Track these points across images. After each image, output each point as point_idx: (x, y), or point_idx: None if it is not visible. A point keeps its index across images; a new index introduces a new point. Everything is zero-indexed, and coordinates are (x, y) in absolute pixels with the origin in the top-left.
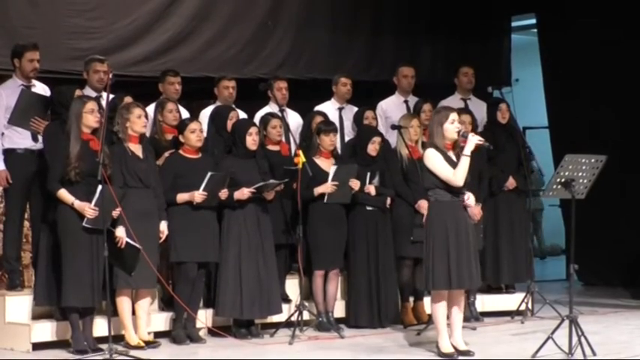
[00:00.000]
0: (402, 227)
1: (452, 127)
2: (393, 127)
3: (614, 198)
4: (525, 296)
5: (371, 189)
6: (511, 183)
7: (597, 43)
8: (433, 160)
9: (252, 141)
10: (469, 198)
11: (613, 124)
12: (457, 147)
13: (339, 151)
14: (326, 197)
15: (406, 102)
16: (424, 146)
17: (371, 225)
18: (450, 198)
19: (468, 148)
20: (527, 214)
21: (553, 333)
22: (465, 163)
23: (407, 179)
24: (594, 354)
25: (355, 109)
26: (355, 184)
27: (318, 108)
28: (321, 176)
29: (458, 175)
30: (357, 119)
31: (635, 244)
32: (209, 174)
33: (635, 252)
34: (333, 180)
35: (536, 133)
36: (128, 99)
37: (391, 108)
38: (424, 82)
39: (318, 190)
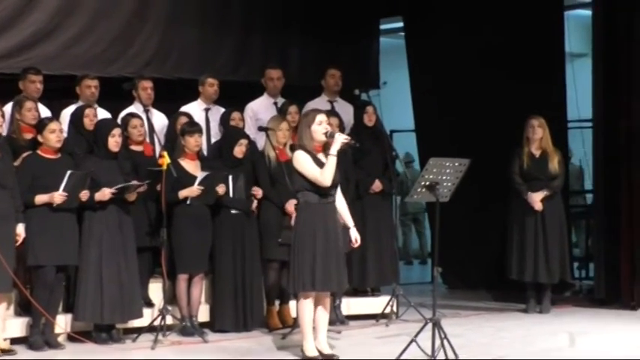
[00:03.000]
0: (269, 230)
1: (319, 128)
2: (260, 128)
3: (476, 201)
4: (390, 299)
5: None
6: (377, 186)
7: (461, 48)
8: (301, 162)
9: (114, 142)
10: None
11: (476, 128)
12: (327, 148)
13: (205, 152)
14: (189, 199)
15: (275, 104)
16: (292, 149)
17: (237, 228)
18: (318, 200)
19: (334, 147)
20: (392, 217)
21: (416, 336)
22: (331, 162)
23: (274, 181)
24: (456, 356)
25: (222, 110)
26: (222, 189)
27: (183, 108)
28: (186, 178)
29: (325, 175)
30: (224, 121)
31: (497, 247)
32: (68, 172)
33: (496, 255)
34: (199, 184)
35: (403, 136)
36: None
37: (261, 109)
38: (294, 84)
39: (182, 194)
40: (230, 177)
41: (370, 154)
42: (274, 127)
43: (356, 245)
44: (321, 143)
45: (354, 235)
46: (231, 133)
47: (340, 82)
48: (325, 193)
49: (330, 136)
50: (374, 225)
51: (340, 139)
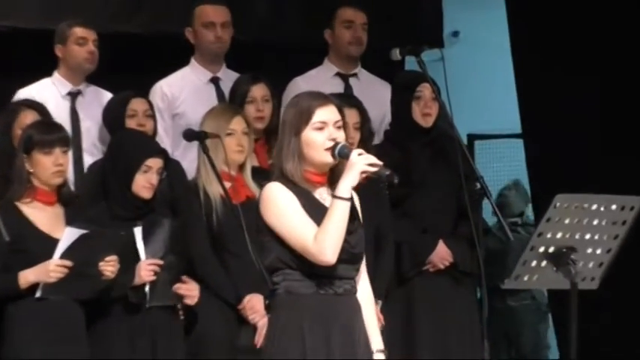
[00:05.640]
0: (210, 353)
1: (319, 137)
2: (189, 134)
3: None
4: None
5: (143, 270)
6: (441, 255)
7: None
8: (276, 208)
9: None
10: None
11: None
12: (336, 180)
13: (73, 184)
14: (40, 288)
15: (215, 80)
16: (257, 174)
17: (142, 347)
18: (314, 288)
19: (347, 183)
20: (476, 320)
21: None
22: (338, 214)
23: (221, 248)
24: None
25: (106, 95)
26: (111, 266)
27: (24, 92)
28: (36, 243)
29: (324, 240)
30: (111, 117)
31: None
32: None
33: None
34: (64, 256)
35: (498, 147)
36: None
37: (186, 91)
38: (257, 40)
39: (27, 277)
40: (137, 231)
41: (426, 186)
42: (218, 131)
43: None
44: (323, 168)
45: None
46: (128, 146)
47: (365, 37)
48: (329, 274)
49: (339, 154)
50: (437, 337)
51: (359, 164)
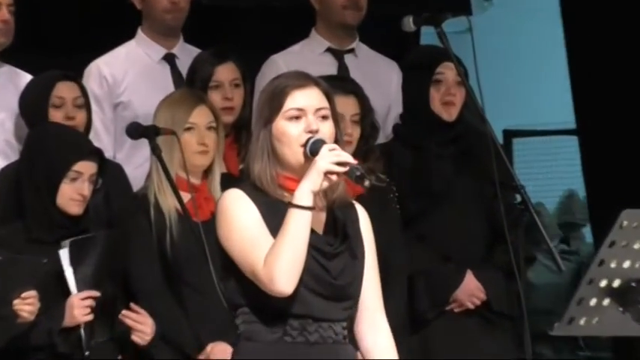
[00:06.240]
0: None
1: (293, 129)
2: (134, 131)
3: None
4: None
5: (76, 308)
6: (470, 291)
7: None
8: (227, 222)
9: None
10: None
11: None
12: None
13: None
14: None
15: (170, 58)
16: (231, 184)
17: None
18: (278, 334)
19: (306, 187)
20: None
21: None
22: (293, 227)
23: (177, 280)
24: None
25: (25, 76)
26: (28, 306)
27: None
28: None
29: (275, 263)
30: (31, 108)
31: None
32: None
33: None
34: None
35: (543, 147)
36: None
37: (131, 76)
38: (224, 4)
39: None
40: (64, 254)
41: (449, 199)
42: (174, 125)
43: None
44: (300, 171)
45: None
46: (52, 145)
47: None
48: (298, 314)
49: (311, 150)
50: None
51: (322, 162)
